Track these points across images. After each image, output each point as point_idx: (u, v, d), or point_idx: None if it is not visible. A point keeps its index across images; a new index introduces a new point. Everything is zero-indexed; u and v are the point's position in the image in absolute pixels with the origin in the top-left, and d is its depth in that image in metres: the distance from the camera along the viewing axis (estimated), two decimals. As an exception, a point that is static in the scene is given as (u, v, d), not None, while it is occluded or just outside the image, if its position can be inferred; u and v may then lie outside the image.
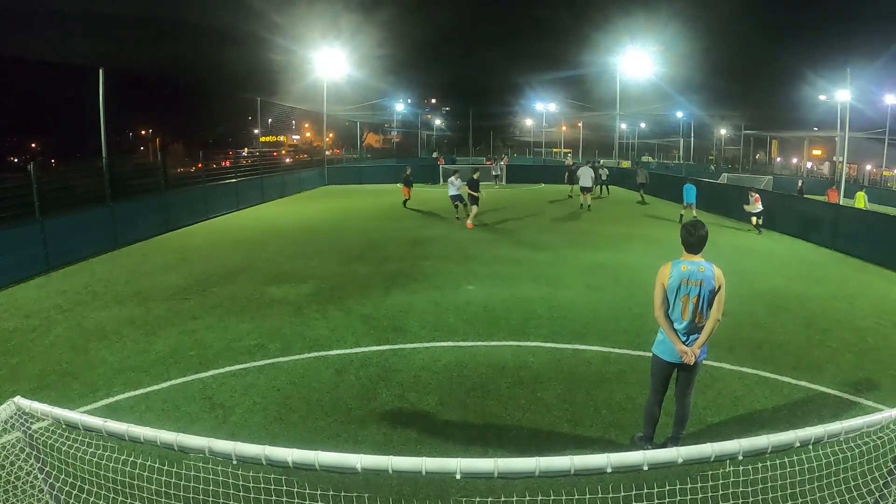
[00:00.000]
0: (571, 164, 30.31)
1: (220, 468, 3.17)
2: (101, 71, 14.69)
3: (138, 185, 15.83)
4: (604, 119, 56.44)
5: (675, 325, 4.09)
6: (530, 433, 4.75)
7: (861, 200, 21.60)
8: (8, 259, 9.73)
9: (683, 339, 4.08)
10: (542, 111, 73.15)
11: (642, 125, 72.53)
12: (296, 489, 3.01)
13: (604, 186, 26.28)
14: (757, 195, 15.99)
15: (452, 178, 17.39)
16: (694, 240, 4.07)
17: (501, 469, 2.09)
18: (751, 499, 3.36)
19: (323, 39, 34.40)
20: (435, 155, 60.73)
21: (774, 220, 16.48)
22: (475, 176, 16.23)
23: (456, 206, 17.25)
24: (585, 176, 20.60)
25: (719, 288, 4.02)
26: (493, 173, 31.22)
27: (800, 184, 32.14)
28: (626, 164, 52.95)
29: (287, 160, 33.17)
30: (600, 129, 65.86)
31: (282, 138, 71.93)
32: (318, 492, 3.13)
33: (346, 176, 32.89)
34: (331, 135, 45.96)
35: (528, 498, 3.63)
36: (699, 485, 3.34)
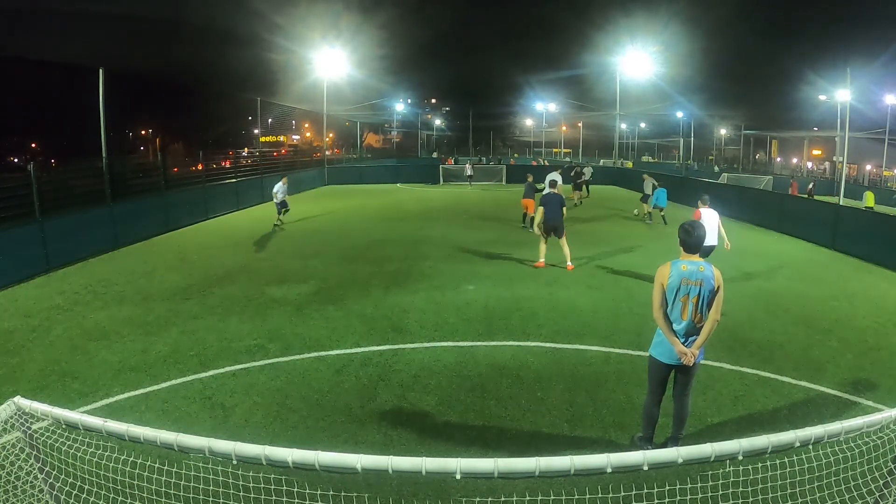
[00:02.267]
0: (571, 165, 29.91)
1: (220, 468, 3.17)
2: (101, 71, 14.69)
3: (138, 185, 15.82)
4: (604, 119, 56.44)
5: (675, 326, 4.09)
6: (530, 433, 4.75)
7: (871, 199, 23.93)
8: (8, 259, 9.73)
9: (682, 339, 4.07)
10: (542, 111, 73.14)
11: (642, 125, 72.54)
12: (296, 489, 3.01)
13: (585, 186, 24.99)
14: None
15: (279, 185, 16.19)
16: (693, 240, 4.07)
17: (501, 469, 2.09)
18: (751, 499, 3.36)
19: (323, 39, 34.50)
20: (435, 155, 60.72)
21: (774, 220, 16.49)
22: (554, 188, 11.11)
23: (279, 213, 16.16)
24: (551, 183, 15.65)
25: (718, 288, 4.02)
26: (466, 174, 31.17)
27: (810, 185, 32.29)
28: (629, 164, 52.93)
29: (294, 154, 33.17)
30: (600, 128, 65.86)
31: (282, 138, 71.97)
32: (318, 492, 3.13)
33: (347, 176, 32.90)
34: (331, 135, 45.96)
35: (528, 498, 3.63)
36: (699, 485, 3.34)
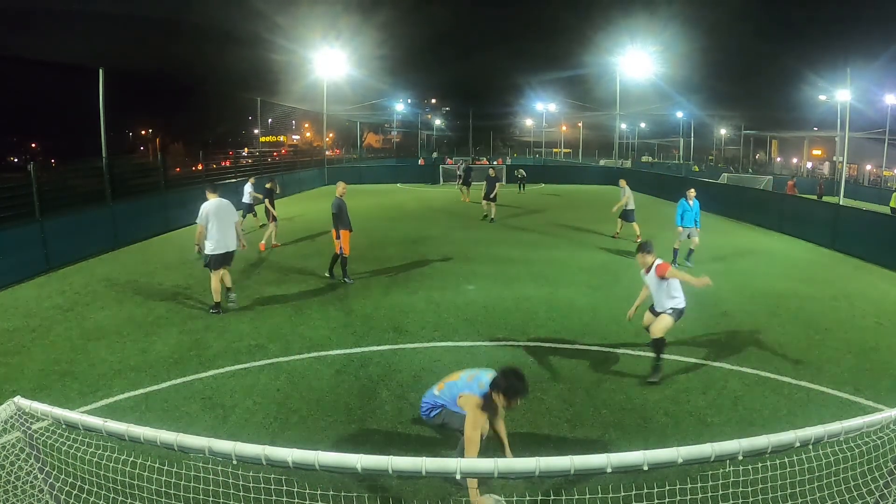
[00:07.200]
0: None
1: (220, 468, 3.17)
2: (101, 71, 14.68)
3: (138, 185, 15.81)
4: (604, 119, 56.44)
5: None
6: (530, 433, 4.75)
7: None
8: (8, 259, 9.72)
9: None
10: (542, 111, 73.10)
11: (642, 125, 72.53)
12: (296, 489, 3.01)
13: (465, 186, 23.95)
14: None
15: (247, 186, 14.84)
16: None
17: (501, 469, 2.09)
18: (751, 499, 3.36)
19: (323, 40, 34.39)
20: (435, 155, 60.61)
21: (774, 220, 16.49)
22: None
23: (243, 217, 14.20)
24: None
25: None
26: (458, 173, 29.34)
27: (820, 186, 32.33)
28: (626, 164, 52.90)
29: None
30: (600, 128, 65.87)
31: (282, 138, 71.97)
32: (318, 492, 3.13)
33: (347, 176, 32.81)
34: (331, 135, 45.97)
35: (528, 498, 3.64)
36: (699, 485, 3.34)
